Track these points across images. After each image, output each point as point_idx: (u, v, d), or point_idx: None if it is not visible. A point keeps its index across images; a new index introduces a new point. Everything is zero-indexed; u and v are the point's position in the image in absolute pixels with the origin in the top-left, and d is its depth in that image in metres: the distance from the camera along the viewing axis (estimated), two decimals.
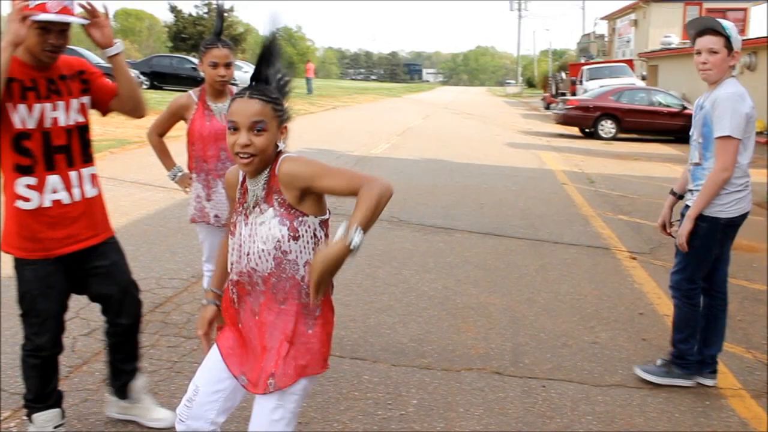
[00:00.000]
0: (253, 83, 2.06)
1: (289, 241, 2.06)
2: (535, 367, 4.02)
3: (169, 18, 58.96)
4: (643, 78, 30.40)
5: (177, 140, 4.25)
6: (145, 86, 28.27)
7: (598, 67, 28.81)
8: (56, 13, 2.54)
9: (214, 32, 3.74)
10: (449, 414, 3.45)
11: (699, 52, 3.53)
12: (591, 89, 23.03)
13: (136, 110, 3.03)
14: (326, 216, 2.14)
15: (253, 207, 2.10)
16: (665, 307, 5.11)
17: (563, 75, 34.76)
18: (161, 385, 3.60)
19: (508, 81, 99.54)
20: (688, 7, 33.87)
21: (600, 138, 18.82)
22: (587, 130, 19.55)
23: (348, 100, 34.54)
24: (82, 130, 2.87)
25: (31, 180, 2.71)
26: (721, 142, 3.47)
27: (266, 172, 2.09)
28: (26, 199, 2.71)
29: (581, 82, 27.22)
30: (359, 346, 4.19)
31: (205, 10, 58.20)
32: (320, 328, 2.15)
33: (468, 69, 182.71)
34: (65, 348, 3.87)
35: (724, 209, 3.55)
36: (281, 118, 2.06)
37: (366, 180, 1.97)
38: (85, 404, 3.39)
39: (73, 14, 2.63)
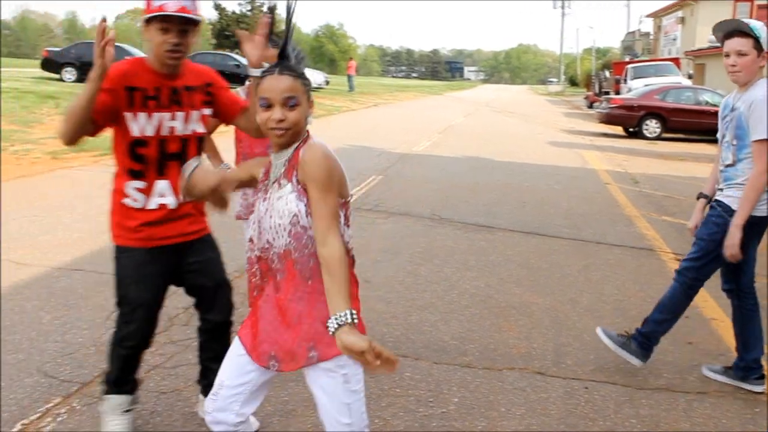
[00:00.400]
0: (281, 62, 2.11)
1: (307, 216, 2.07)
2: (578, 368, 3.98)
3: (212, 15, 59.72)
4: (690, 77, 29.82)
5: (225, 135, 4.29)
6: None
7: (643, 65, 28.33)
8: (176, 11, 2.58)
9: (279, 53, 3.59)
10: (491, 413, 3.44)
11: (728, 55, 3.52)
12: (635, 88, 22.66)
13: (259, 131, 3.03)
14: (346, 199, 2.16)
15: (273, 182, 2.14)
16: (711, 310, 5.02)
17: (607, 73, 34.27)
18: None
19: (550, 79, 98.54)
20: (738, 4, 33.08)
21: (644, 137, 18.53)
22: (631, 129, 19.27)
23: (389, 98, 34.57)
24: (199, 139, 2.91)
25: (141, 184, 2.79)
26: (758, 145, 3.44)
27: (291, 149, 2.12)
28: (134, 200, 2.79)
29: (625, 80, 26.79)
30: (401, 343, 4.20)
31: (249, 7, 58.81)
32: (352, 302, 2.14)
33: (510, 67, 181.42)
34: None
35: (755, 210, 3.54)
36: (309, 91, 2.13)
37: (332, 240, 2.00)
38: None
39: (191, 14, 2.63)
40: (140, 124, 2.71)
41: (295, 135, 2.09)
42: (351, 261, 2.17)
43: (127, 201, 2.80)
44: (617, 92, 26.40)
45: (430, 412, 3.42)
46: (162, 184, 2.82)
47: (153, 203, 2.81)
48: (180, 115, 2.80)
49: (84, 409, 3.29)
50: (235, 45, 54.61)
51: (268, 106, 2.05)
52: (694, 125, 18.30)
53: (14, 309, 4.43)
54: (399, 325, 4.48)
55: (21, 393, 3.40)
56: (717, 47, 28.99)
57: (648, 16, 47.30)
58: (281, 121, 2.04)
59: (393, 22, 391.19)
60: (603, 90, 31.59)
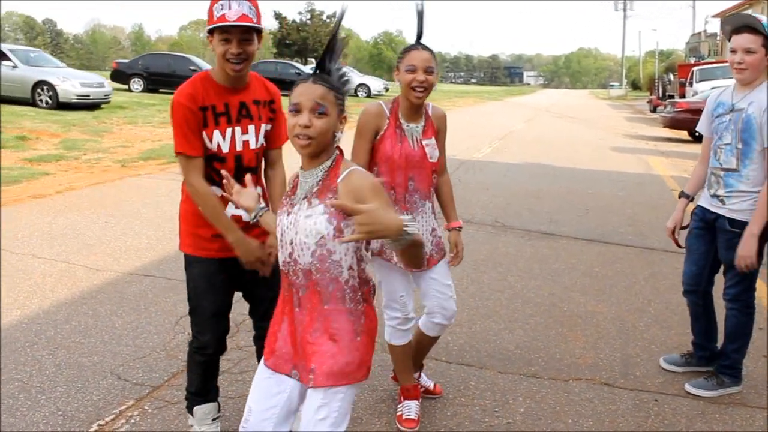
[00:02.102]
0: (317, 72, 2.10)
1: (333, 239, 2.08)
2: (647, 379, 3.89)
3: (273, 25, 60.80)
4: None
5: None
6: None
7: (710, 67, 27.51)
8: (236, 21, 2.61)
9: (416, 36, 3.12)
10: (557, 424, 3.39)
11: (734, 51, 3.38)
12: (702, 91, 22.04)
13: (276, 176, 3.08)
14: None
15: (302, 199, 2.12)
16: None
17: (671, 76, 33.49)
18: None
19: (611, 83, 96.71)
20: None
21: None
22: (697, 134, 18.75)
23: (448, 104, 34.46)
24: (266, 153, 2.99)
25: (217, 191, 2.78)
26: None
27: (324, 169, 2.10)
28: (197, 205, 2.81)
29: (691, 83, 26.08)
30: (465, 352, 4.18)
31: (308, 16, 59.62)
32: (366, 336, 2.16)
33: (570, 71, 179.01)
34: (181, 345, 4.09)
35: None
36: (341, 107, 2.09)
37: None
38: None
39: (251, 22, 2.64)
40: (215, 141, 2.76)
41: (320, 147, 2.06)
42: (372, 292, 2.23)
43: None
44: (682, 95, 25.73)
45: (495, 422, 3.39)
46: None
47: (227, 213, 2.82)
48: (251, 128, 2.84)
49: (155, 412, 3.37)
50: (296, 54, 55.46)
51: (297, 111, 2.04)
52: None
53: (89, 313, 4.58)
54: (463, 334, 4.46)
55: (96, 395, 3.51)
56: None
57: (714, 16, 45.97)
58: (307, 127, 2.00)
59: (452, 27, 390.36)
60: (667, 93, 30.88)
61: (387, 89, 37.87)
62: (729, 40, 3.45)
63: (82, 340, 4.15)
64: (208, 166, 2.78)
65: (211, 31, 2.68)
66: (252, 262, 2.79)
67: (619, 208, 8.69)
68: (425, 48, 3.06)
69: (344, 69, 2.16)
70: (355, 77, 37.70)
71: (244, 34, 2.65)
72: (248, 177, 2.52)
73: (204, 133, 2.74)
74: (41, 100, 17.94)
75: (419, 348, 3.44)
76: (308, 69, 34.48)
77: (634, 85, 73.90)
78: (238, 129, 2.80)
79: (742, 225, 3.45)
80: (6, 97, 17.48)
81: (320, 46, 57.00)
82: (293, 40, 57.13)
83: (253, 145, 2.85)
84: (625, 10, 78.75)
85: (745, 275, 3.55)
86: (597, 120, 28.12)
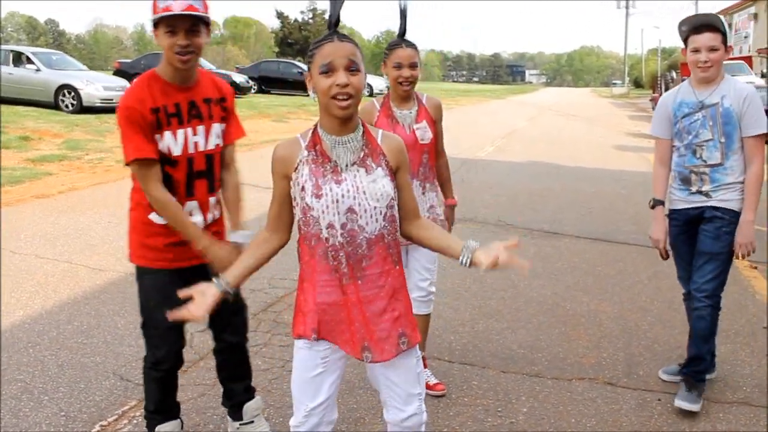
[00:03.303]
0: (335, 29, 2.07)
1: (395, 200, 2.14)
2: (650, 379, 3.89)
3: (275, 24, 60.91)
4: (763, 76, 28.80)
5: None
6: (253, 90, 29.21)
7: None
8: (182, 10, 2.48)
9: (398, 33, 3.36)
10: (560, 424, 3.38)
11: (697, 50, 3.38)
12: None
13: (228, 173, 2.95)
14: None
15: (352, 164, 2.09)
16: None
17: (674, 74, 33.40)
18: (274, 383, 3.71)
19: (614, 81, 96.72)
20: None
21: None
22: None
23: (451, 102, 34.45)
24: (221, 155, 2.86)
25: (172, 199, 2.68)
26: (758, 140, 3.38)
27: (362, 131, 2.12)
28: (159, 215, 2.70)
29: None
30: (468, 351, 4.17)
31: (310, 15, 59.65)
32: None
33: (572, 70, 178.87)
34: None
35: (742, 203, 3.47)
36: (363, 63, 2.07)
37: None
38: (203, 398, 3.53)
39: (198, 11, 2.51)
40: (166, 144, 2.63)
41: (357, 106, 2.05)
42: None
43: (153, 216, 2.70)
44: None
45: (498, 422, 3.39)
46: (191, 204, 2.74)
47: None
48: (200, 129, 2.72)
49: None
50: (298, 53, 55.50)
51: (330, 71, 1.97)
52: None
53: (91, 313, 4.59)
54: (466, 333, 4.46)
55: (99, 395, 3.51)
56: None
57: (717, 13, 45.93)
58: (346, 85, 1.96)
59: (453, 26, 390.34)
60: None
61: (389, 88, 37.90)
62: (685, 41, 3.46)
63: (84, 341, 4.16)
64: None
65: (156, 24, 2.54)
66: (225, 268, 2.56)
67: (622, 207, 8.68)
68: (409, 44, 3.32)
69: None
70: None
71: (191, 25, 2.53)
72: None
73: (157, 135, 2.61)
74: (65, 105, 17.72)
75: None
76: None
77: (637, 83, 73.85)
78: (189, 130, 2.68)
79: (730, 213, 3.44)
80: (29, 101, 17.43)
81: None
82: (295, 39, 57.17)
83: (202, 147, 2.73)
84: (627, 7, 78.72)
85: (722, 270, 3.51)
86: (599, 118, 28.09)
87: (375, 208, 2.08)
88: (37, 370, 3.76)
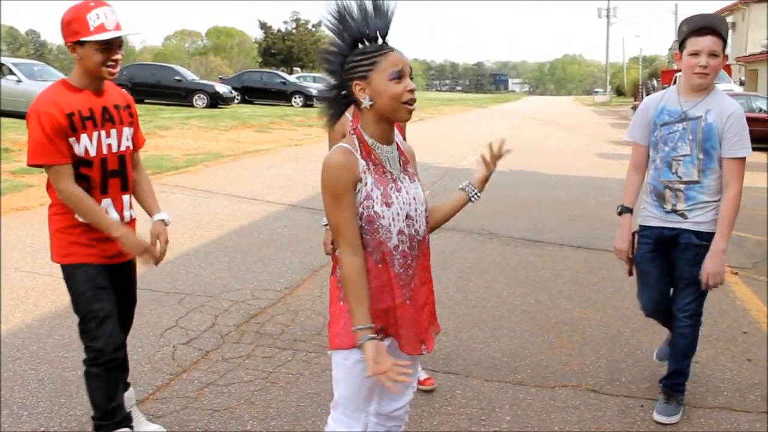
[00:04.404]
0: (385, 41, 2.12)
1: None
2: (633, 385, 3.91)
3: (258, 34, 60.89)
4: (742, 83, 29.18)
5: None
6: (236, 101, 29.18)
7: None
8: (114, 29, 2.72)
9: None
10: (544, 431, 3.39)
11: (696, 54, 3.12)
12: None
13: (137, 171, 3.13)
14: None
15: (401, 173, 2.19)
16: None
17: (655, 82, 33.80)
18: (257, 395, 3.69)
19: (596, 90, 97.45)
20: None
21: None
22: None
23: (434, 112, 34.58)
24: (132, 156, 3.04)
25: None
26: (738, 163, 3.18)
27: (394, 141, 2.20)
28: (75, 209, 2.83)
29: None
30: (452, 360, 4.17)
31: (294, 25, 59.68)
32: None
33: (555, 78, 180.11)
34: (166, 357, 4.06)
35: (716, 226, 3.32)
36: None
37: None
38: (185, 411, 3.50)
39: (123, 30, 2.78)
40: (83, 146, 2.79)
41: None
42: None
43: (75, 215, 2.82)
44: None
45: (482, 430, 3.39)
46: (106, 201, 2.89)
47: None
48: (114, 132, 2.90)
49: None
50: (282, 63, 55.46)
51: (401, 78, 2.04)
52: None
53: (72, 327, 4.50)
54: (449, 342, 4.46)
55: (80, 410, 3.47)
56: None
57: None
58: (413, 91, 2.05)
59: (436, 35, 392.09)
60: None
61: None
62: (683, 42, 3.19)
63: (65, 354, 4.11)
64: (75, 174, 2.79)
65: (81, 42, 2.71)
66: (142, 254, 2.85)
67: (605, 215, 8.73)
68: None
69: None
70: None
71: (120, 40, 2.79)
72: None
73: (72, 139, 2.76)
74: None
75: None
76: (293, 78, 34.52)
77: (619, 91, 74.51)
78: (103, 133, 2.86)
79: (708, 236, 3.28)
80: (11, 112, 17.22)
81: (305, 55, 57.06)
82: (279, 50, 57.15)
83: (115, 149, 2.91)
84: (608, 17, 79.48)
85: (702, 292, 3.42)
86: (582, 126, 28.28)
87: (422, 212, 2.21)
88: (17, 385, 3.71)
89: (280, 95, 31.63)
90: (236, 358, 4.13)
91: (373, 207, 2.07)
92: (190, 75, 28.93)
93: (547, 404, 3.67)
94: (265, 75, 34.07)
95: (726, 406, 3.69)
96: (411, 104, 2.06)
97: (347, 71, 2.08)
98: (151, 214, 3.08)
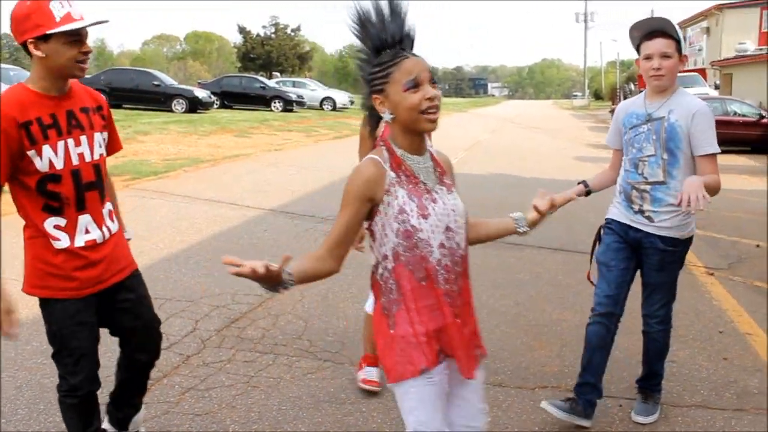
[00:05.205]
0: (402, 46, 2.04)
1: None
2: (611, 385, 3.95)
3: (237, 39, 60.71)
4: (716, 87, 29.57)
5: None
6: (215, 106, 29.07)
7: None
8: (80, 20, 2.41)
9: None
10: None
11: (649, 57, 3.17)
12: None
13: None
14: None
15: (437, 184, 2.09)
16: (746, 325, 4.95)
17: (632, 86, 34.14)
18: (238, 399, 3.69)
19: (574, 93, 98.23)
20: (766, 12, 32.78)
21: None
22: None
23: None
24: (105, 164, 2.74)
25: (61, 221, 2.55)
26: (710, 159, 3.16)
27: (427, 151, 2.12)
28: (57, 239, 2.55)
29: None
30: None
31: (273, 30, 59.58)
32: None
33: (534, 82, 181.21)
34: None
35: (693, 229, 3.36)
36: None
37: None
38: (166, 416, 3.49)
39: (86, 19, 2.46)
40: (46, 159, 2.46)
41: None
42: None
43: (53, 243, 2.55)
44: None
45: None
46: (84, 218, 2.59)
47: (80, 240, 2.59)
48: (83, 139, 2.57)
49: None
50: (261, 68, 55.33)
51: (417, 86, 1.95)
52: (723, 136, 17.80)
53: None
54: None
55: (59, 416, 3.39)
56: (744, 56, 28.54)
57: None
58: (434, 97, 1.96)
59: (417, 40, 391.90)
60: None
61: (352, 102, 37.92)
62: (637, 48, 3.25)
63: (44, 361, 4.08)
64: (42, 192, 2.50)
65: (46, 36, 2.38)
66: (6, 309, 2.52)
67: (583, 217, 8.80)
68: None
69: None
70: (320, 90, 37.71)
71: (85, 32, 2.46)
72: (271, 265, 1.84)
73: (32, 152, 2.43)
74: None
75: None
76: (273, 83, 34.45)
77: (597, 95, 75.12)
78: (71, 141, 2.52)
79: (674, 242, 3.29)
80: None
81: (284, 60, 56.96)
82: (257, 54, 57.00)
83: (88, 158, 2.59)
84: (586, 21, 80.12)
85: (671, 295, 3.45)
86: (560, 130, 28.50)
87: (462, 224, 2.11)
88: None
89: (260, 100, 31.56)
90: (217, 362, 4.13)
91: (409, 221, 2.00)
92: (168, 80, 28.79)
93: (526, 405, 3.70)
94: (245, 80, 33.98)
95: (702, 405, 3.75)
96: (432, 112, 1.96)
97: (368, 84, 2.03)
98: None
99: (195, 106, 26.66)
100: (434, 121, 1.98)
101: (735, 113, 18.60)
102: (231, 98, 31.62)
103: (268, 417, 3.52)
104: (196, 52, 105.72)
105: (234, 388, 3.81)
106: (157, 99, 26.45)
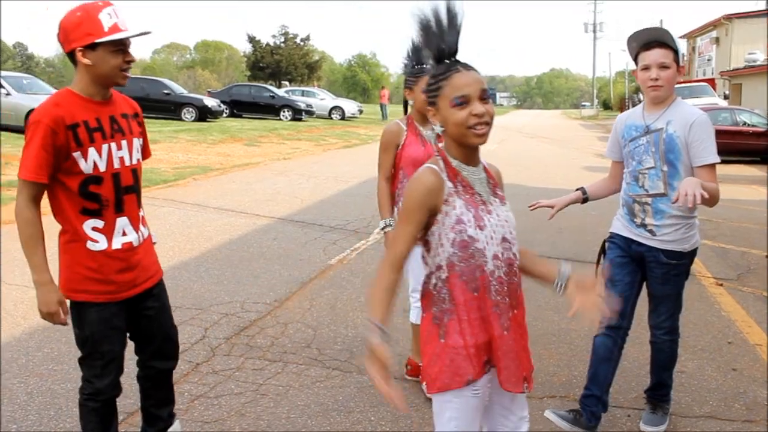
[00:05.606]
0: (456, 59, 2.06)
1: None
2: (620, 395, 3.95)
3: (247, 48, 60.98)
4: (726, 97, 29.50)
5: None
6: (225, 114, 29.19)
7: (678, 87, 27.78)
8: (125, 30, 2.53)
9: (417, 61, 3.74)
10: None
11: (647, 67, 3.15)
12: None
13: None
14: None
15: (491, 196, 2.11)
16: (756, 336, 4.93)
17: (641, 96, 34.08)
18: (247, 407, 3.70)
19: (583, 103, 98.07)
20: None
21: None
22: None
23: None
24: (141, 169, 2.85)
25: (99, 223, 2.62)
26: (709, 169, 3.11)
27: (480, 162, 2.14)
28: (95, 241, 2.62)
29: None
30: None
31: (282, 39, 59.82)
32: None
33: (542, 92, 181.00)
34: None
35: (696, 241, 3.33)
36: None
37: None
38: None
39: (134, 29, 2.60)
40: (91, 161, 2.56)
41: (488, 134, 2.04)
42: None
43: (90, 245, 2.61)
44: None
45: None
46: (122, 221, 2.67)
47: (117, 243, 2.66)
48: (124, 143, 2.68)
49: None
50: (270, 76, 55.54)
51: (466, 103, 1.97)
52: (732, 146, 17.95)
53: (62, 339, 4.54)
54: None
55: (69, 423, 3.47)
56: (754, 67, 28.37)
57: (681, 37, 46.97)
58: (483, 114, 1.97)
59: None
60: None
61: (361, 111, 38.01)
62: (635, 58, 3.24)
63: (55, 367, 4.11)
64: (83, 194, 2.57)
65: (93, 45, 2.49)
66: (44, 313, 2.59)
67: (593, 227, 8.81)
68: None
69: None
70: (329, 100, 37.81)
71: (130, 41, 2.60)
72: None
73: (77, 153, 2.52)
74: None
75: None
76: (282, 92, 34.55)
77: (605, 105, 74.96)
78: (113, 145, 2.63)
79: (677, 255, 3.27)
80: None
81: (294, 69, 57.15)
82: (267, 63, 57.22)
83: (128, 162, 2.69)
84: (595, 32, 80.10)
85: (677, 305, 3.44)
86: (569, 140, 28.46)
87: (515, 237, 2.13)
88: (6, 398, 3.71)
89: (269, 109, 31.67)
90: (226, 370, 4.15)
91: (466, 231, 2.01)
92: (178, 88, 28.94)
93: (535, 415, 3.69)
94: (254, 89, 34.09)
95: (711, 415, 3.74)
96: (479, 128, 1.98)
97: (425, 94, 2.08)
98: None
99: (204, 114, 26.79)
100: (482, 136, 2.00)
101: (744, 123, 18.54)
102: (240, 107, 31.75)
103: (276, 425, 3.53)
104: (206, 61, 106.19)
105: (243, 396, 3.82)
106: (167, 107, 26.60)
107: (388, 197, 3.82)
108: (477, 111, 1.96)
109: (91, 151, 2.55)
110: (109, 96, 2.67)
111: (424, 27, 2.03)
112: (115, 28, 2.50)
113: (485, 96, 1.99)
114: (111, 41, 2.50)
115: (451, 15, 2.01)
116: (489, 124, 2.00)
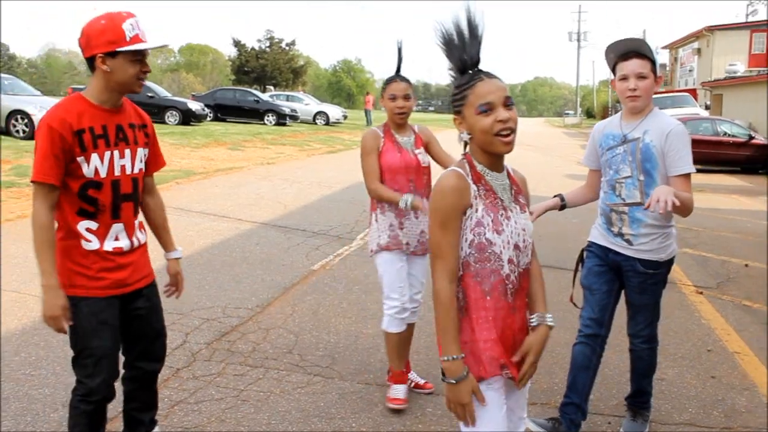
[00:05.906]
0: (478, 67, 2.09)
1: None
2: (600, 402, 3.96)
3: (232, 52, 60.81)
4: (707, 107, 29.80)
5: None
6: (209, 118, 29.06)
7: (660, 97, 28.31)
8: (145, 41, 2.64)
9: (395, 69, 3.83)
10: None
11: (625, 78, 3.17)
12: None
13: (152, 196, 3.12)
14: None
15: (512, 202, 2.14)
16: (735, 344, 4.97)
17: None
18: (228, 413, 3.68)
19: (566, 111, 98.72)
20: (755, 34, 33.17)
21: None
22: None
23: None
24: (144, 180, 2.91)
25: (93, 225, 2.69)
26: (684, 179, 3.15)
27: (504, 168, 2.17)
28: (87, 240, 2.68)
29: None
30: (423, 378, 4.19)
31: (267, 44, 59.73)
32: None
33: (526, 100, 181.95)
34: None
35: (673, 251, 3.36)
36: None
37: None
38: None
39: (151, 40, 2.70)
40: (93, 166, 2.64)
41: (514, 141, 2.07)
42: None
43: (83, 243, 2.67)
44: None
45: None
46: (116, 227, 2.74)
47: (108, 245, 2.72)
48: (128, 152, 2.75)
49: None
50: (255, 81, 55.41)
51: (491, 110, 2.01)
52: (713, 156, 18.18)
53: (40, 344, 4.49)
54: (421, 361, 4.49)
55: (47, 428, 3.44)
56: (735, 78, 28.70)
57: (664, 47, 47.45)
58: (508, 120, 2.00)
59: (410, 56, 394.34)
60: None
61: (346, 117, 38.01)
62: (613, 69, 3.26)
63: (32, 372, 4.07)
64: (81, 197, 2.65)
65: (114, 53, 2.59)
66: (47, 317, 2.61)
67: (574, 235, 8.84)
68: (403, 79, 3.78)
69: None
70: (314, 105, 37.77)
71: (147, 53, 2.70)
72: None
73: (81, 158, 2.60)
74: (16, 130, 17.11)
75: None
76: (266, 97, 34.47)
77: (589, 113, 75.54)
78: (116, 153, 2.70)
79: (654, 264, 3.29)
80: None
81: (279, 74, 57.09)
82: (252, 68, 57.10)
83: (129, 170, 2.76)
84: (579, 40, 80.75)
85: (654, 314, 3.45)
86: (552, 148, 28.62)
87: (529, 244, 2.16)
88: None
89: (253, 113, 31.60)
90: (207, 375, 4.12)
91: (484, 234, 2.05)
92: (162, 91, 28.81)
93: None
94: (238, 93, 33.99)
95: (691, 423, 3.76)
96: (505, 135, 2.01)
97: (451, 104, 2.11)
98: (166, 250, 3.12)
99: (188, 118, 26.66)
100: (508, 144, 2.03)
101: (725, 133, 18.73)
102: (224, 111, 31.63)
103: (257, 431, 3.51)
104: (191, 65, 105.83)
105: (224, 402, 3.80)
106: (150, 111, 26.32)
107: (387, 187, 3.73)
108: (502, 117, 2.00)
109: (94, 157, 2.63)
110: (119, 104, 2.75)
111: (447, 41, 2.08)
112: (136, 39, 2.60)
113: (509, 103, 2.03)
114: (131, 51, 2.60)
115: (473, 26, 2.06)
116: (514, 130, 2.04)
